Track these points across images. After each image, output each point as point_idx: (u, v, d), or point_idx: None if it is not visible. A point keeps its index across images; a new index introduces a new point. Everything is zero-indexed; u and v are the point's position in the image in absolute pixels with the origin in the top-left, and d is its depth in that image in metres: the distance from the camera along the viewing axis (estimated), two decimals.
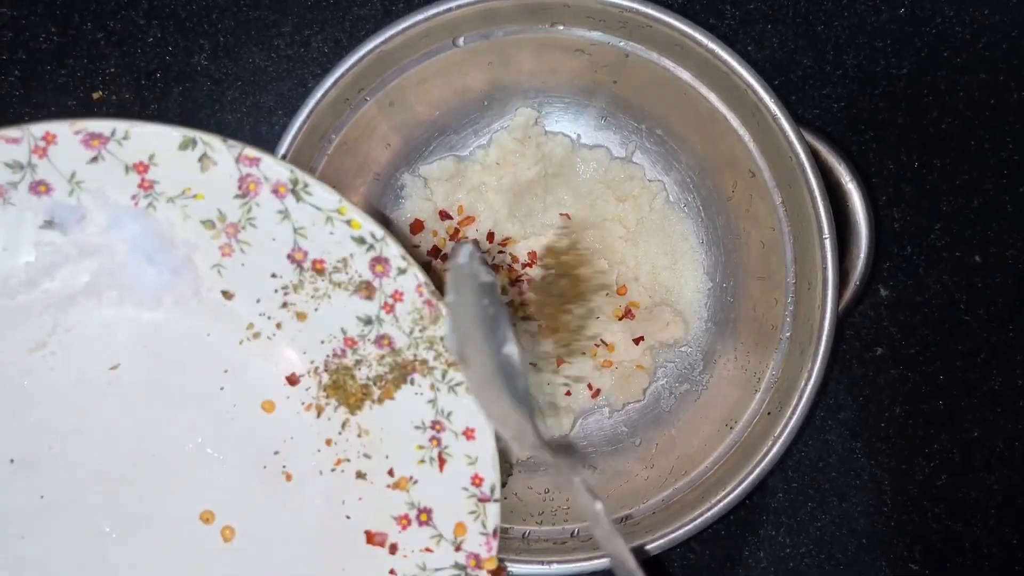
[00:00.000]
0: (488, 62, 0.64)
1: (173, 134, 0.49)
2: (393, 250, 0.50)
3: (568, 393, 0.67)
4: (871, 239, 0.60)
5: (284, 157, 0.57)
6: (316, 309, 0.52)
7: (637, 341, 0.67)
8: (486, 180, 0.67)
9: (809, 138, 0.59)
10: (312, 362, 0.52)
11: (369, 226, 0.50)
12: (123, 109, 0.69)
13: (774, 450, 0.57)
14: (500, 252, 0.68)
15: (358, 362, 0.52)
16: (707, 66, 0.59)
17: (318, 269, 0.51)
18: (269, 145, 0.60)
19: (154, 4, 0.69)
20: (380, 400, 0.52)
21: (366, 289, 0.51)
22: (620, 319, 0.67)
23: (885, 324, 0.69)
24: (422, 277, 0.51)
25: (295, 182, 0.49)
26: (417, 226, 0.67)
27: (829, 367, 0.57)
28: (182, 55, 0.69)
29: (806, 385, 0.57)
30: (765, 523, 0.68)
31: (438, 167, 0.67)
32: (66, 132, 0.47)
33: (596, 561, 0.56)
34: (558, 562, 0.56)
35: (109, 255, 0.50)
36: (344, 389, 0.52)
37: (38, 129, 0.47)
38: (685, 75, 0.62)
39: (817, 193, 0.56)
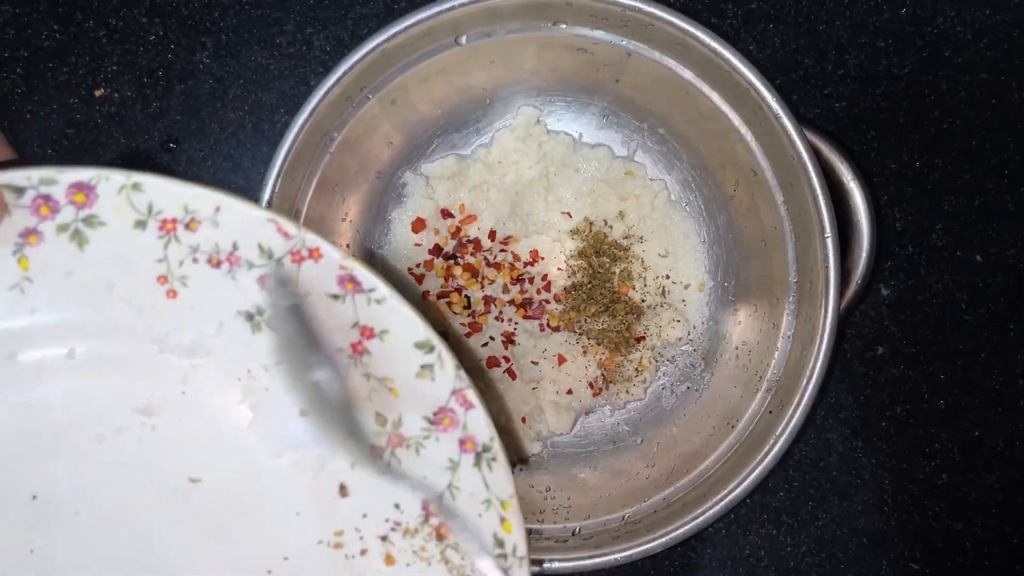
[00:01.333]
0: (490, 61, 0.64)
1: (419, 330, 0.45)
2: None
3: (569, 391, 0.67)
4: (873, 238, 0.60)
5: (287, 156, 0.57)
6: (408, 564, 0.47)
7: (639, 340, 0.67)
8: (488, 178, 0.67)
9: (811, 137, 0.59)
10: None
11: (519, 540, 0.46)
12: (125, 107, 0.69)
13: (775, 449, 0.57)
14: (502, 251, 0.68)
15: None
16: (709, 65, 0.59)
17: (440, 534, 0.46)
18: (271, 143, 0.60)
19: (156, 2, 0.69)
20: None
21: None
22: (620, 318, 0.67)
23: (886, 323, 0.69)
24: None
25: (487, 449, 0.45)
26: (419, 224, 0.67)
27: (830, 366, 0.57)
28: (184, 53, 0.69)
29: (807, 384, 0.57)
30: (766, 522, 0.68)
31: (440, 166, 0.67)
32: (333, 257, 0.44)
33: (597, 560, 0.56)
34: (559, 560, 0.57)
35: (270, 382, 0.46)
36: None
37: (312, 240, 0.44)
38: (687, 74, 0.62)
39: (819, 192, 0.56)
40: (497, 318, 0.67)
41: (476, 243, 0.67)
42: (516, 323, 0.67)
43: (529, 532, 0.60)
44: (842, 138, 0.69)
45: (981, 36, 0.69)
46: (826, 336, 0.57)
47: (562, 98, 0.68)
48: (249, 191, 0.68)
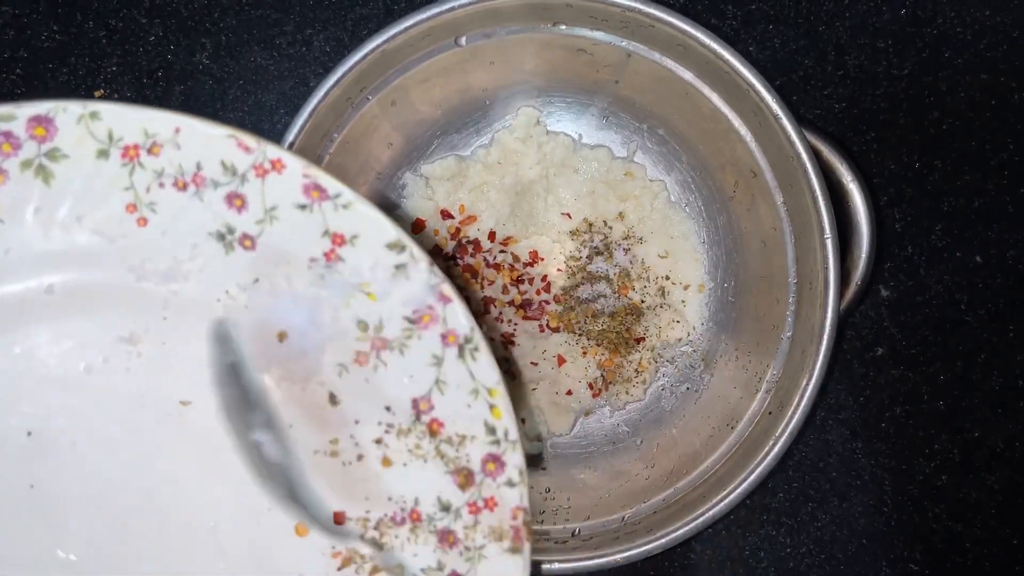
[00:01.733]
0: (490, 62, 0.64)
1: (389, 230, 0.45)
2: (516, 459, 0.46)
3: (569, 392, 0.67)
4: (872, 239, 0.60)
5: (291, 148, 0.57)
6: (405, 464, 0.47)
7: (638, 341, 0.67)
8: (488, 179, 0.67)
9: (811, 138, 0.59)
10: (367, 512, 0.48)
11: (509, 424, 0.46)
12: None
13: (775, 450, 0.57)
14: (502, 251, 0.68)
15: (409, 540, 0.47)
16: (709, 66, 0.59)
17: (433, 429, 0.47)
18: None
19: (156, 3, 0.69)
20: None
21: (465, 477, 0.47)
22: (620, 318, 0.67)
23: (886, 324, 0.69)
24: (526, 502, 0.46)
25: (468, 340, 0.46)
26: (419, 225, 0.67)
27: (830, 367, 0.57)
28: (184, 54, 0.69)
29: (807, 385, 0.57)
30: (765, 523, 0.68)
31: (440, 166, 0.67)
32: (296, 167, 0.45)
33: (597, 560, 0.56)
34: (559, 561, 0.57)
35: (251, 295, 0.47)
36: (378, 558, 0.47)
37: (274, 152, 0.45)
38: (687, 75, 0.62)
39: (819, 193, 0.56)
40: (496, 319, 0.67)
41: (476, 244, 0.67)
42: (516, 324, 0.67)
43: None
44: (842, 139, 0.69)
45: (981, 37, 0.69)
46: (826, 337, 0.57)
47: (562, 99, 0.68)
48: None
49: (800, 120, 0.58)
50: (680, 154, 0.68)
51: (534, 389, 0.66)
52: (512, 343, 0.67)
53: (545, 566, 0.56)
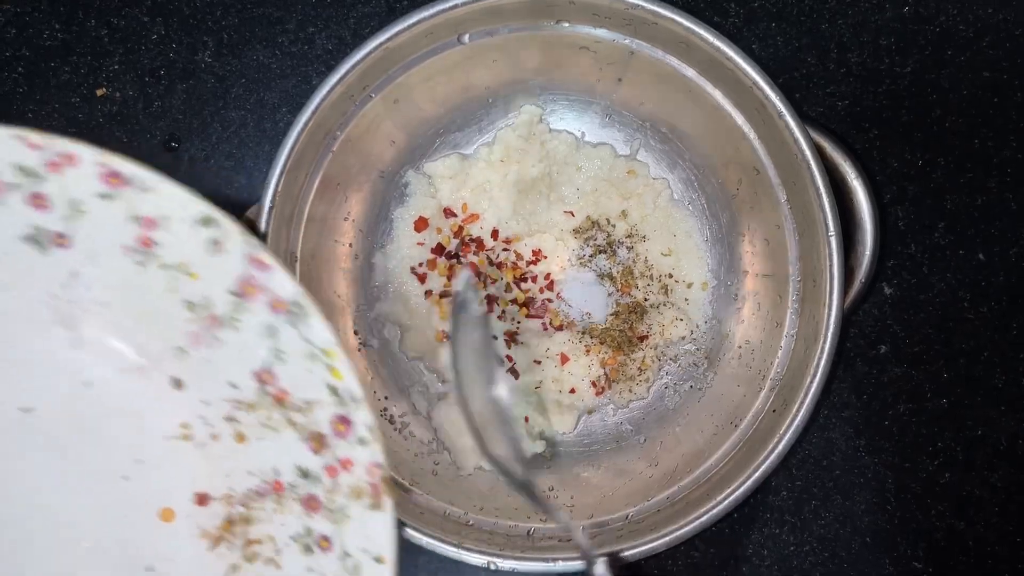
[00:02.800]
0: (493, 59, 0.64)
1: (195, 207, 0.45)
2: (363, 417, 0.46)
3: (572, 391, 0.67)
4: (876, 236, 0.60)
5: (289, 154, 0.57)
6: (260, 439, 0.47)
7: (642, 339, 0.67)
8: (490, 177, 0.67)
9: (814, 135, 0.59)
10: (230, 490, 0.48)
11: (351, 383, 0.46)
12: (127, 106, 0.69)
13: (779, 448, 0.57)
14: (504, 250, 0.68)
15: (275, 511, 0.47)
16: (712, 63, 0.59)
17: (279, 399, 0.47)
18: (274, 142, 0.60)
19: (158, 1, 0.69)
20: (274, 563, 0.47)
21: (318, 441, 0.47)
22: (623, 316, 0.67)
23: (889, 322, 0.69)
24: (381, 458, 0.46)
25: (297, 306, 0.45)
26: (421, 224, 0.67)
27: (834, 365, 0.57)
28: (186, 52, 0.69)
29: (811, 383, 0.57)
30: (769, 521, 0.68)
31: (442, 165, 0.67)
32: (90, 158, 0.44)
33: (600, 559, 0.56)
34: (563, 559, 0.57)
35: (76, 289, 0.46)
36: (247, 532, 0.48)
37: (62, 145, 0.44)
38: (690, 72, 0.62)
39: (823, 190, 0.57)
40: (500, 317, 0.67)
41: (479, 242, 0.67)
42: (519, 322, 0.67)
43: (531, 532, 0.61)
44: (844, 136, 0.69)
45: (983, 35, 0.69)
46: (830, 334, 0.57)
47: (564, 97, 0.68)
48: (251, 189, 0.68)
49: (803, 117, 0.58)
50: (683, 152, 0.68)
51: (537, 388, 0.66)
52: (515, 341, 0.67)
53: (550, 564, 0.56)
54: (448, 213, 0.67)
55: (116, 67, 0.69)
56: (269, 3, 0.69)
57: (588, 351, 0.67)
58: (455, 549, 0.56)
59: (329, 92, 0.57)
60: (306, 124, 0.57)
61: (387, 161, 0.67)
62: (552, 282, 0.68)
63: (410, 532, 0.54)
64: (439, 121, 0.67)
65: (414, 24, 0.58)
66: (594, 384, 0.67)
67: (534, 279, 0.67)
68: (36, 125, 0.67)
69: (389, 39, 0.58)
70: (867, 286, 0.61)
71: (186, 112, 0.69)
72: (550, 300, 0.68)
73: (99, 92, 0.69)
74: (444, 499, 0.61)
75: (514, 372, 0.66)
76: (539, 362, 0.67)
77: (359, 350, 0.65)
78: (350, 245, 0.67)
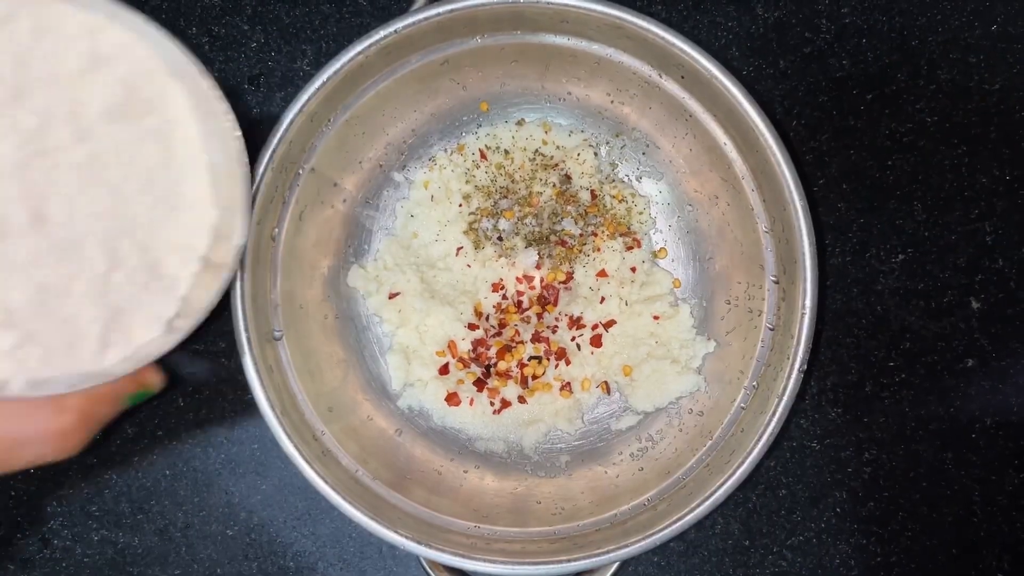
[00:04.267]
0: (472, 69, 0.65)
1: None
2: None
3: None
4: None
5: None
6: None
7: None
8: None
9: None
10: None
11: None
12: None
13: (756, 449, 0.57)
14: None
15: None
16: (679, 70, 0.60)
17: None
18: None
19: (258, 10, 0.70)
20: None
21: None
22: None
23: (976, 336, 0.69)
24: None
25: None
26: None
27: (808, 368, 0.57)
28: (285, 60, 0.70)
29: (785, 388, 0.58)
30: (856, 532, 0.68)
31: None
32: None
33: (600, 558, 0.57)
34: (566, 560, 0.57)
35: None
36: None
37: None
38: (673, 87, 0.63)
39: (795, 195, 0.58)
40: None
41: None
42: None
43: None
44: (932, 152, 0.69)
45: None
46: (804, 339, 0.57)
47: (538, 108, 0.69)
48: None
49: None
50: (664, 163, 0.69)
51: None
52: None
53: (540, 567, 0.56)
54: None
55: (216, 74, 0.69)
56: (366, 13, 0.70)
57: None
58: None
59: (315, 94, 0.58)
60: (304, 105, 0.58)
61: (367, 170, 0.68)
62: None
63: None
64: (419, 129, 0.68)
65: (423, 21, 0.60)
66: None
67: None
68: None
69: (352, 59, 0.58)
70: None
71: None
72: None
73: None
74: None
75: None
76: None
77: None
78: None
